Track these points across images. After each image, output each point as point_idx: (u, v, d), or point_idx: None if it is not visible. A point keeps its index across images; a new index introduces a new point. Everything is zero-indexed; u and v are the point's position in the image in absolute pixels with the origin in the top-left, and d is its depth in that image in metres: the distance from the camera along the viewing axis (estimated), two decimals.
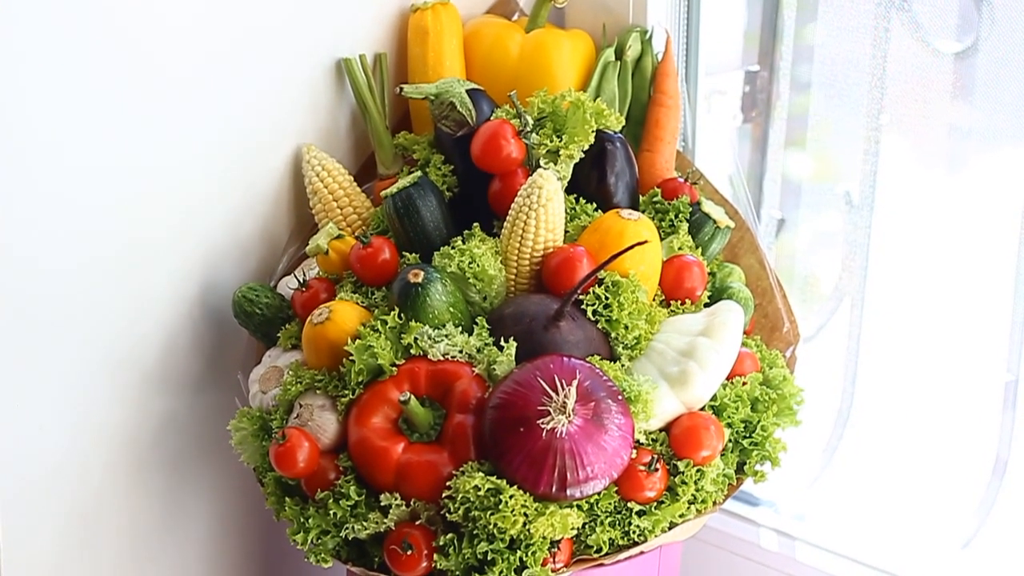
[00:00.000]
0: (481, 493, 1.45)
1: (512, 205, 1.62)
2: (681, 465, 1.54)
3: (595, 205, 1.70)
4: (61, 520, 1.66)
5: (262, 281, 1.77)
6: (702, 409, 1.58)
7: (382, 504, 1.50)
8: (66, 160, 1.54)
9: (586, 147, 1.67)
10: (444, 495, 1.48)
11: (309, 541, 1.53)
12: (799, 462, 1.94)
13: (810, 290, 2.14)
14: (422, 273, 1.55)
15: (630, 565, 1.57)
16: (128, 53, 1.56)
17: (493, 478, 1.45)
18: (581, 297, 1.58)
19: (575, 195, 1.71)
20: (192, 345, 1.76)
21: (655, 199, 1.74)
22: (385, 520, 1.50)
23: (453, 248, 1.61)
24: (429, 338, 1.54)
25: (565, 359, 1.50)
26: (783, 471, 1.62)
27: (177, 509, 1.82)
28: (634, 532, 1.52)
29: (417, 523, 1.50)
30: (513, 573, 1.45)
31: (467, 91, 1.71)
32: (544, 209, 1.59)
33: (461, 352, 1.55)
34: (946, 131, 1.94)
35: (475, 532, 1.46)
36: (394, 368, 1.54)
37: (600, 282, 1.59)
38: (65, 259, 1.57)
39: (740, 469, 1.61)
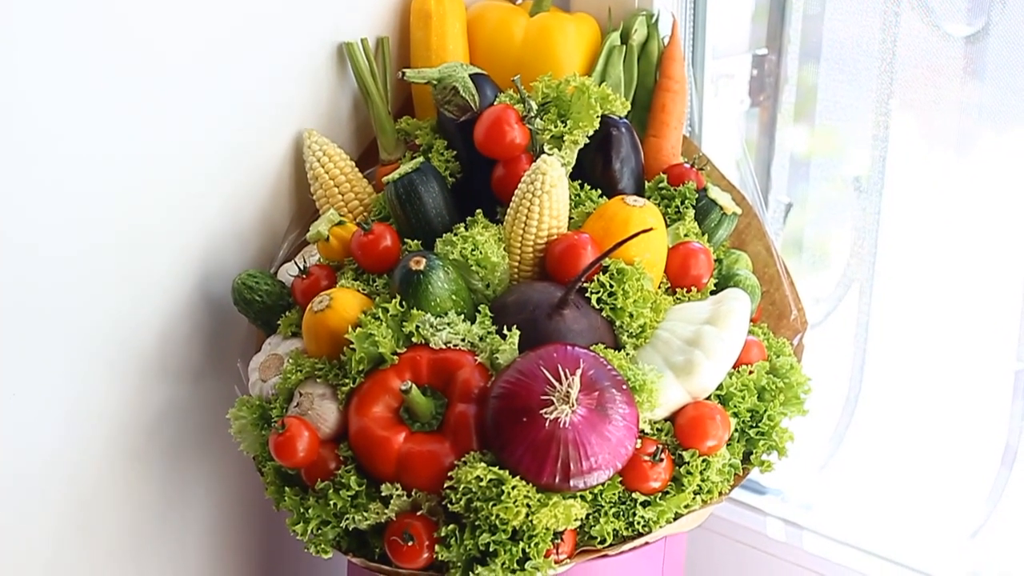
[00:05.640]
0: (483, 484, 1.44)
1: (516, 191, 1.61)
2: (686, 455, 1.53)
3: (600, 191, 1.69)
4: (58, 508, 1.65)
5: (262, 268, 1.77)
6: (708, 398, 1.57)
7: (383, 494, 1.49)
8: (64, 147, 1.53)
9: (591, 133, 1.67)
10: (446, 485, 1.47)
11: (309, 531, 1.52)
12: (806, 449, 1.93)
13: (817, 269, 2.12)
14: (424, 260, 1.54)
15: (634, 556, 1.56)
16: (126, 39, 1.55)
17: (495, 468, 1.44)
18: (585, 285, 1.57)
19: (580, 181, 1.70)
20: (191, 332, 1.75)
21: (661, 185, 1.74)
22: (386, 511, 1.49)
23: (456, 235, 1.60)
24: (431, 326, 1.54)
25: (569, 348, 1.49)
26: (790, 459, 1.61)
27: (176, 497, 1.81)
28: (639, 523, 1.51)
29: (418, 514, 1.49)
30: (516, 565, 1.44)
31: (470, 76, 1.70)
32: (548, 196, 1.58)
33: (463, 340, 1.54)
34: (956, 115, 1.93)
35: (477, 523, 1.45)
36: (395, 357, 1.53)
37: (605, 270, 1.58)
38: (63, 246, 1.56)
39: (746, 459, 1.60)
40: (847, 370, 2.06)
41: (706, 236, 1.71)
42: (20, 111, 1.47)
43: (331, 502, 1.51)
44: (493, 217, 1.67)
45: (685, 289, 1.66)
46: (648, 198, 1.70)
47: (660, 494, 1.52)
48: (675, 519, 1.53)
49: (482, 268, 1.58)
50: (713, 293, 1.67)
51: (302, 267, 1.67)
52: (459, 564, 1.46)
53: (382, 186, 1.69)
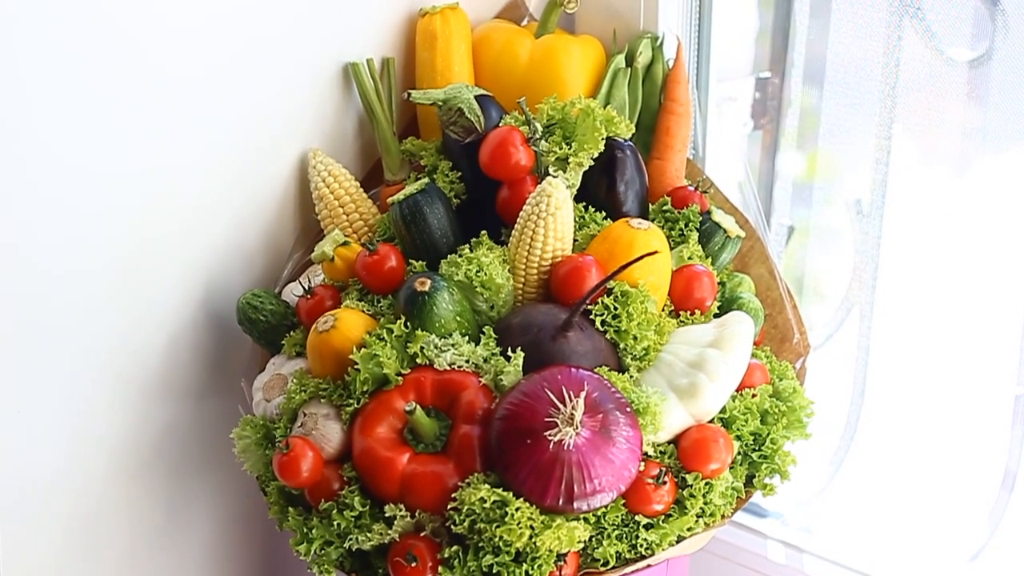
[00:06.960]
0: (487, 505, 1.43)
1: (520, 213, 1.60)
2: (689, 478, 1.52)
3: (604, 214, 1.69)
4: (62, 526, 1.65)
5: (267, 287, 1.76)
6: (711, 421, 1.56)
7: (386, 515, 1.49)
8: (70, 165, 1.52)
9: (596, 155, 1.66)
10: (449, 507, 1.47)
11: (312, 552, 1.51)
12: (807, 473, 1.92)
13: (818, 296, 2.12)
14: (429, 281, 1.53)
15: None
16: (133, 58, 1.55)
17: (499, 490, 1.44)
18: (590, 307, 1.57)
19: (584, 203, 1.70)
20: (195, 351, 1.75)
21: (665, 208, 1.73)
22: (389, 531, 1.48)
23: (460, 256, 1.60)
24: (435, 347, 1.53)
25: (573, 370, 1.48)
26: (791, 482, 1.61)
27: (179, 517, 1.81)
28: (641, 545, 1.50)
29: (422, 535, 1.48)
30: None
31: (476, 97, 1.70)
32: (553, 217, 1.58)
33: (468, 362, 1.53)
34: (958, 139, 1.93)
35: (480, 544, 1.45)
36: (400, 377, 1.52)
37: (609, 292, 1.58)
38: (68, 264, 1.56)
39: (749, 482, 1.60)
40: (847, 393, 2.05)
41: (710, 259, 1.71)
42: (25, 127, 1.47)
43: (335, 522, 1.50)
44: (498, 239, 1.67)
45: (689, 312, 1.65)
46: (652, 220, 1.70)
47: (663, 517, 1.51)
48: (678, 542, 1.52)
49: (486, 289, 1.58)
50: (717, 316, 1.66)
51: (307, 287, 1.67)
52: None
53: (387, 207, 1.69)
